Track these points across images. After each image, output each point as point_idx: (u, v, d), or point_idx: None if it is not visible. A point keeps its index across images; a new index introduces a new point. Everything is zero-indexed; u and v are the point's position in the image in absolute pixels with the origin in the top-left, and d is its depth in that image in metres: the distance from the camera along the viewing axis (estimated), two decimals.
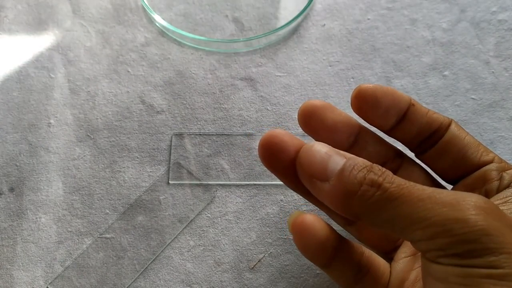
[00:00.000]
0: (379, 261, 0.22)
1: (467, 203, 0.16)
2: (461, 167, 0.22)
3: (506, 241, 0.15)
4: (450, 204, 0.16)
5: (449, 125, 0.22)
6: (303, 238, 0.19)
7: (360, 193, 0.18)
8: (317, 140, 0.23)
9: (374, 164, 0.18)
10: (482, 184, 0.21)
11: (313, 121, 0.23)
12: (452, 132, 0.22)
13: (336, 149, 0.19)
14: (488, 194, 0.21)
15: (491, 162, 0.22)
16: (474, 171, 0.22)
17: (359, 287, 0.21)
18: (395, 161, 0.24)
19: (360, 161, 0.19)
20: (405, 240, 0.18)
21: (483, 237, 0.15)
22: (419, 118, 0.22)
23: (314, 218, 0.19)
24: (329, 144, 0.21)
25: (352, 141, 0.23)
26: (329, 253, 0.20)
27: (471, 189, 0.22)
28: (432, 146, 0.23)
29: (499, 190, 0.21)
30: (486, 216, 0.16)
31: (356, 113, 0.23)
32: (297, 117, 0.23)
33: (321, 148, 0.19)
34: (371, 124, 0.23)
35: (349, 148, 0.23)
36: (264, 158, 0.21)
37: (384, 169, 0.18)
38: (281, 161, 0.20)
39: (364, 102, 0.22)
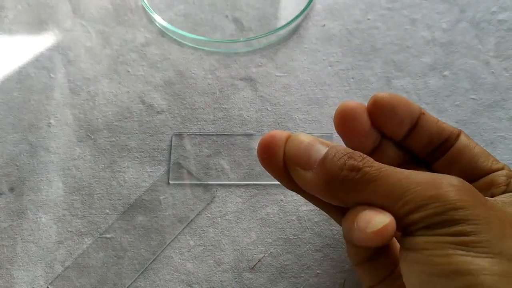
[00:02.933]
0: None
1: (441, 182, 0.17)
2: (471, 175, 0.22)
3: (475, 213, 0.16)
4: (425, 183, 0.17)
5: (458, 135, 0.23)
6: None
7: (340, 177, 0.18)
8: (347, 142, 0.23)
9: (356, 151, 0.19)
10: (489, 188, 0.21)
11: (350, 123, 0.23)
12: (463, 142, 0.22)
13: (320, 139, 0.20)
14: (492, 197, 0.21)
15: (501, 170, 0.22)
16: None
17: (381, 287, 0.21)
18: (411, 166, 0.24)
19: (342, 148, 0.19)
20: None
21: (452, 211, 0.16)
22: (429, 127, 0.23)
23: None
24: (357, 147, 0.22)
25: (377, 144, 0.23)
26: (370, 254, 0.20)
27: None
28: (443, 155, 0.23)
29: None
30: (458, 192, 0.17)
31: (372, 123, 0.23)
32: (333, 117, 0.23)
33: (304, 138, 0.20)
34: (385, 133, 0.23)
35: (373, 151, 0.23)
36: (262, 158, 0.21)
37: (364, 155, 0.19)
38: (278, 160, 0.21)
39: (381, 111, 0.22)
